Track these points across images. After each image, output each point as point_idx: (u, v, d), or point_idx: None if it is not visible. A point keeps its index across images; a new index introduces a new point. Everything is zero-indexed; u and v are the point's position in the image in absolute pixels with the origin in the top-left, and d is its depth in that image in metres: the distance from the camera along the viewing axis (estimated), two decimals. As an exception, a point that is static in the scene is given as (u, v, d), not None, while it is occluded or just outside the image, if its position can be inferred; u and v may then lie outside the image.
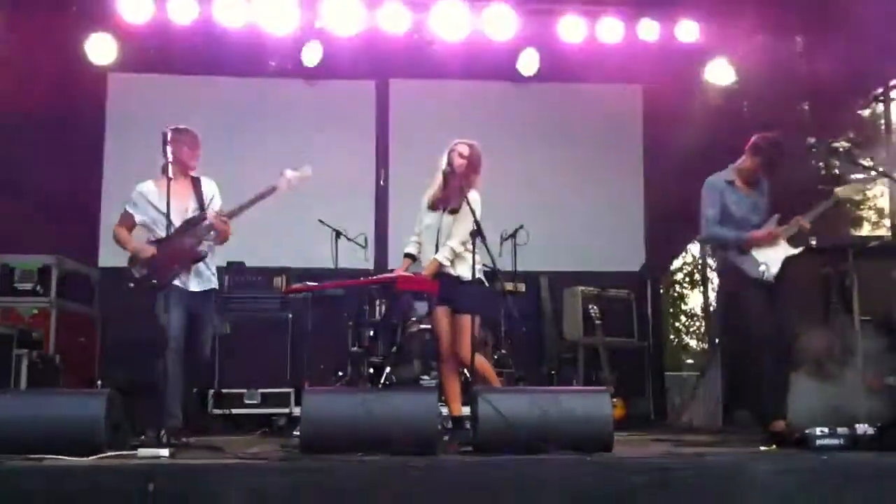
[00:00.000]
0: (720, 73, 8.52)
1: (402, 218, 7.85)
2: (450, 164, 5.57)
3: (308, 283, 5.80)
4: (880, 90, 8.53)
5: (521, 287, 7.90)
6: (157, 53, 8.47)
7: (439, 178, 5.66)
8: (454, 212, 5.51)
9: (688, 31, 8.35)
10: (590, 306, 7.79)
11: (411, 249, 5.67)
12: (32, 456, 3.99)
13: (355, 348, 6.72)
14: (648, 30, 8.26)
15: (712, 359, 8.35)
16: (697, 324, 25.29)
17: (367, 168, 9.00)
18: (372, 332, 6.44)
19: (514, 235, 7.73)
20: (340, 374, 6.86)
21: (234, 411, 7.24)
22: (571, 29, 8.24)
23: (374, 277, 5.82)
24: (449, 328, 5.45)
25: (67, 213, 8.09)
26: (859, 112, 7.34)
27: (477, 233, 5.16)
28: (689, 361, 22.84)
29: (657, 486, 3.96)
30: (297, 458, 4.30)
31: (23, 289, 7.19)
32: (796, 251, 5.79)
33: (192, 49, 8.33)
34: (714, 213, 5.81)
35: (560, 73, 8.78)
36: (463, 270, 5.47)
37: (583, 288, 8.13)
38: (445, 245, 5.45)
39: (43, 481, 3.79)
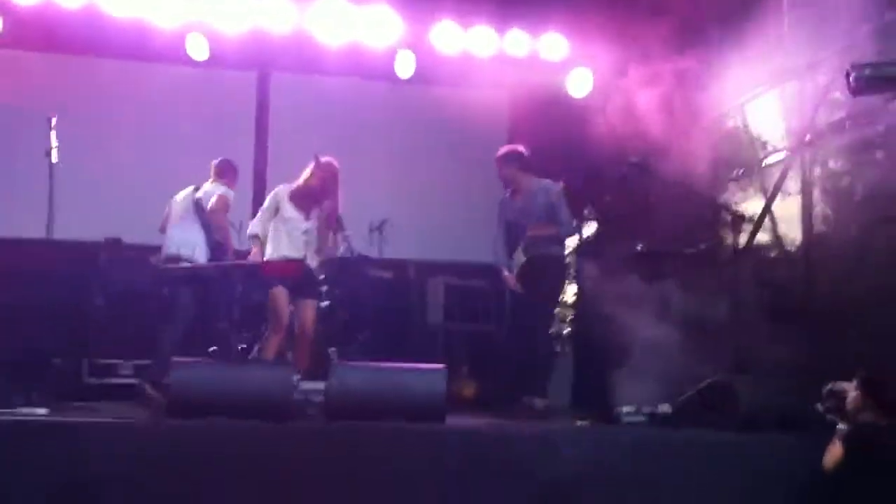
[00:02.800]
0: (580, 84, 9.31)
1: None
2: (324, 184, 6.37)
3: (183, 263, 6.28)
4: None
5: (388, 274, 8.47)
6: (42, 32, 8.67)
7: (310, 182, 6.27)
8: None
9: (553, 44, 9.13)
10: (449, 294, 8.48)
11: (258, 231, 6.36)
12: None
13: (224, 325, 7.22)
14: (517, 42, 9.00)
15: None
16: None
17: (246, 157, 9.39)
18: (240, 311, 6.97)
19: (380, 228, 8.28)
20: (212, 349, 7.33)
21: (109, 381, 7.47)
22: (446, 35, 8.92)
23: (243, 262, 6.33)
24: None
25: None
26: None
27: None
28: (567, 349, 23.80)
29: (473, 453, 4.66)
30: (162, 420, 4.79)
31: None
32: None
33: (77, 31, 8.55)
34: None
35: (433, 77, 9.35)
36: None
37: (445, 277, 8.74)
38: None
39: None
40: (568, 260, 7.71)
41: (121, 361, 7.46)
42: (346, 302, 7.84)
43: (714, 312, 6.52)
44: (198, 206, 7.22)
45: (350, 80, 9.48)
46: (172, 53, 8.73)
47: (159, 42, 8.56)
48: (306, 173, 6.52)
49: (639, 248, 6.87)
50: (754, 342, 6.25)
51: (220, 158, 7.51)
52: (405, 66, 9.08)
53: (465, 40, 8.90)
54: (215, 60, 8.82)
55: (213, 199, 7.03)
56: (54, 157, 5.43)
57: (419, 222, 9.16)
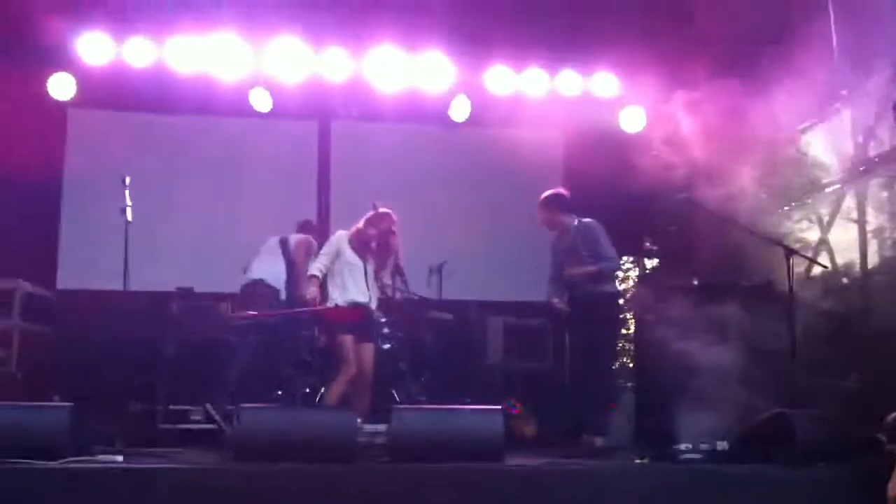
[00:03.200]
0: (633, 121, 9.45)
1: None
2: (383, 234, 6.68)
3: (249, 311, 6.55)
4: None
5: (448, 316, 8.63)
6: (114, 91, 9.13)
7: (368, 230, 6.57)
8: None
9: (604, 82, 9.30)
10: (509, 334, 8.61)
11: (317, 272, 6.64)
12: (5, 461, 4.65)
13: (290, 370, 7.47)
14: (568, 82, 9.18)
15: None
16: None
17: (309, 203, 9.70)
18: (305, 355, 7.21)
19: (439, 270, 8.45)
20: (279, 393, 7.58)
21: (181, 426, 7.67)
22: (498, 79, 9.15)
23: (308, 308, 6.56)
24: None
25: (28, 241, 8.71)
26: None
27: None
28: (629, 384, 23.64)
29: (531, 492, 4.78)
30: (230, 464, 5.01)
31: (-13, 312, 7.79)
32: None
33: (147, 89, 8.94)
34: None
35: (488, 120, 9.57)
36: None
37: (503, 316, 8.88)
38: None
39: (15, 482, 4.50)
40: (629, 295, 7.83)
41: (192, 407, 7.68)
42: (407, 344, 8.04)
43: (772, 344, 6.55)
44: (284, 245, 7.81)
45: (407, 126, 9.74)
46: (236, 107, 9.12)
47: (224, 96, 8.99)
48: (364, 221, 6.75)
49: (695, 281, 6.92)
50: (813, 373, 6.26)
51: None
52: (460, 110, 9.36)
53: (517, 82, 9.14)
54: (277, 111, 9.20)
55: (297, 240, 7.72)
56: (129, 216, 5.77)
57: (477, 264, 9.34)
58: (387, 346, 7.82)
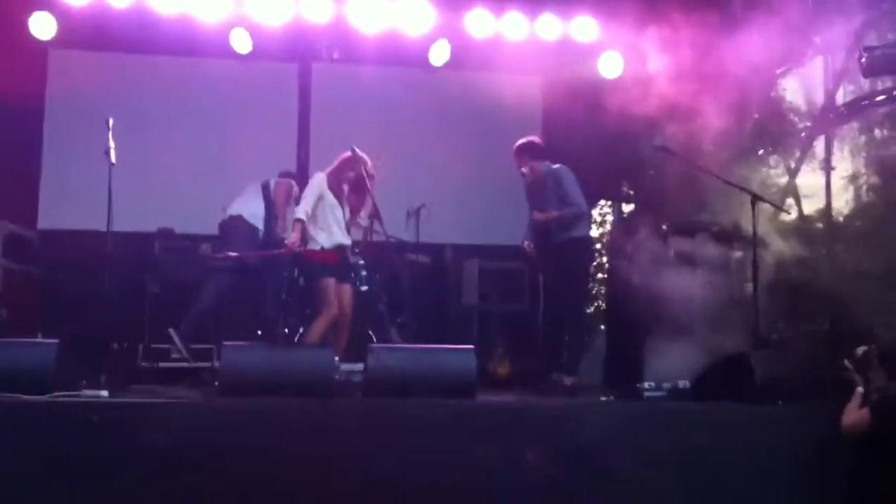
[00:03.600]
0: (611, 67, 9.54)
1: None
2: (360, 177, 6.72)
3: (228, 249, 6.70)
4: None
5: (425, 258, 8.80)
6: (95, 32, 9.13)
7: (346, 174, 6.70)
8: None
9: (584, 26, 9.36)
10: (484, 276, 8.80)
11: (303, 216, 6.69)
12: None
13: (271, 310, 7.66)
14: (548, 25, 9.26)
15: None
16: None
17: (289, 145, 9.78)
18: (285, 295, 7.39)
19: (417, 213, 8.59)
20: (259, 332, 7.76)
21: (161, 364, 7.81)
22: (478, 22, 9.22)
23: (291, 250, 6.65)
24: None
25: (9, 181, 8.78)
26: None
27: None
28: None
29: (499, 427, 5.01)
30: (214, 399, 5.21)
31: (-31, 251, 7.90)
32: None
33: (127, 29, 8.95)
34: None
35: (467, 63, 9.64)
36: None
37: (480, 259, 9.05)
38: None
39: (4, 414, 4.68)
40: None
41: (171, 346, 7.84)
42: (385, 286, 8.24)
43: (738, 288, 6.77)
44: (266, 188, 7.88)
45: (387, 69, 9.79)
46: (217, 48, 9.16)
47: (204, 37, 9.00)
48: (340, 162, 6.87)
49: (664, 227, 7.12)
50: (779, 316, 6.48)
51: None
52: (440, 54, 9.43)
53: (497, 25, 9.20)
54: (258, 53, 9.24)
55: (278, 181, 7.85)
56: (112, 158, 5.88)
57: (455, 207, 9.41)
58: (365, 287, 8.02)
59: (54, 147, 9.29)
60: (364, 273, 8.15)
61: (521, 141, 7.59)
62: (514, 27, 9.20)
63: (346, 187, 6.92)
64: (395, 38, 9.19)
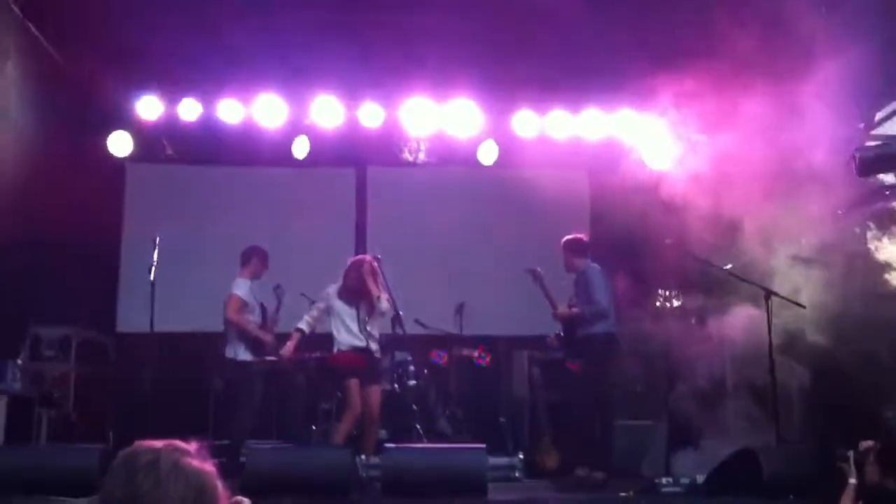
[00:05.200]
0: (656, 159, 9.73)
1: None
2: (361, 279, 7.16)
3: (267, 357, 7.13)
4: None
5: (474, 353, 9.06)
6: (168, 146, 9.95)
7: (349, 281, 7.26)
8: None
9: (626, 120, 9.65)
10: (533, 367, 8.98)
11: (303, 326, 7.18)
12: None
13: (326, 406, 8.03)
14: (592, 121, 9.58)
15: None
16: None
17: (347, 246, 10.24)
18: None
19: (460, 310, 8.87)
20: (314, 427, 8.11)
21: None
22: (525, 123, 9.63)
23: (317, 355, 7.04)
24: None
25: (91, 290, 9.48)
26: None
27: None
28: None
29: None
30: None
31: (48, 355, 8.55)
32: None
33: (196, 141, 9.81)
34: None
35: (515, 160, 10.00)
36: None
37: (529, 351, 9.24)
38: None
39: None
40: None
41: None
42: (433, 381, 8.57)
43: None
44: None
45: (436, 170, 10.28)
46: (277, 156, 9.84)
47: (265, 145, 9.73)
48: (344, 274, 7.37)
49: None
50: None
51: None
52: (488, 154, 9.86)
53: (542, 124, 9.58)
54: (317, 159, 9.85)
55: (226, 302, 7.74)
56: (152, 275, 6.43)
57: (504, 299, 9.67)
58: (412, 382, 8.36)
59: (131, 254, 9.95)
60: (412, 368, 8.49)
61: (566, 238, 7.89)
62: (559, 125, 9.56)
63: (354, 294, 7.31)
64: (445, 141, 9.68)
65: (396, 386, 8.38)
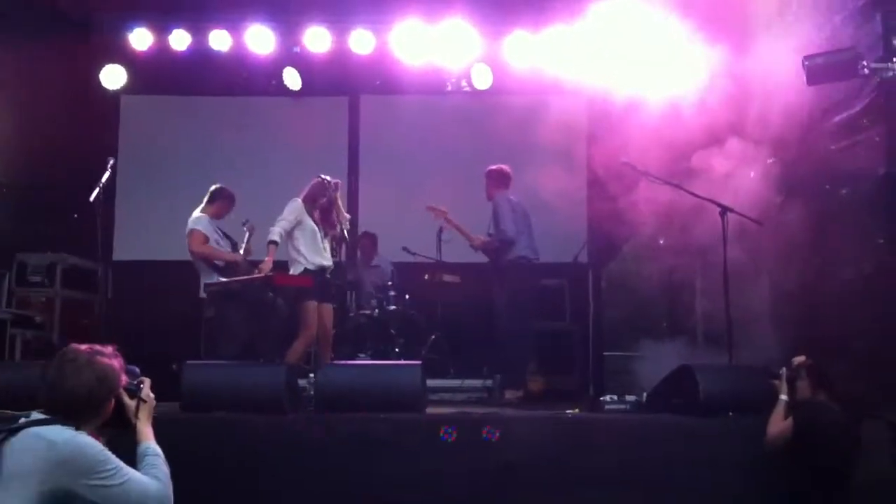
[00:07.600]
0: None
1: (371, 217, 9.78)
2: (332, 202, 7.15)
3: (220, 279, 7.12)
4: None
5: (456, 279, 8.96)
6: (160, 77, 9.99)
7: (321, 202, 7.21)
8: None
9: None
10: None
11: (276, 238, 7.05)
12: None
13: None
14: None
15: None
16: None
17: (340, 175, 10.17)
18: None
19: (439, 234, 8.72)
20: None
21: None
22: (518, 45, 9.39)
23: (262, 275, 6.90)
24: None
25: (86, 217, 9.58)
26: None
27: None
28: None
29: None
30: (176, 415, 5.58)
31: (33, 281, 8.71)
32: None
33: (188, 72, 9.84)
34: None
35: (510, 86, 9.80)
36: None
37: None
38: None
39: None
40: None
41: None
42: (417, 306, 8.56)
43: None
44: None
45: (431, 97, 10.17)
46: (268, 86, 9.82)
47: (256, 75, 9.71)
48: (312, 189, 7.30)
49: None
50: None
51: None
52: (482, 78, 9.68)
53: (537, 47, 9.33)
54: (309, 89, 9.79)
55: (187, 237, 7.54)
56: (93, 196, 6.40)
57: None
58: (392, 307, 8.35)
59: (127, 184, 10.02)
60: (392, 294, 8.46)
61: (490, 167, 8.22)
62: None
63: (317, 213, 7.21)
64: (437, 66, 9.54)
65: (377, 311, 8.39)
